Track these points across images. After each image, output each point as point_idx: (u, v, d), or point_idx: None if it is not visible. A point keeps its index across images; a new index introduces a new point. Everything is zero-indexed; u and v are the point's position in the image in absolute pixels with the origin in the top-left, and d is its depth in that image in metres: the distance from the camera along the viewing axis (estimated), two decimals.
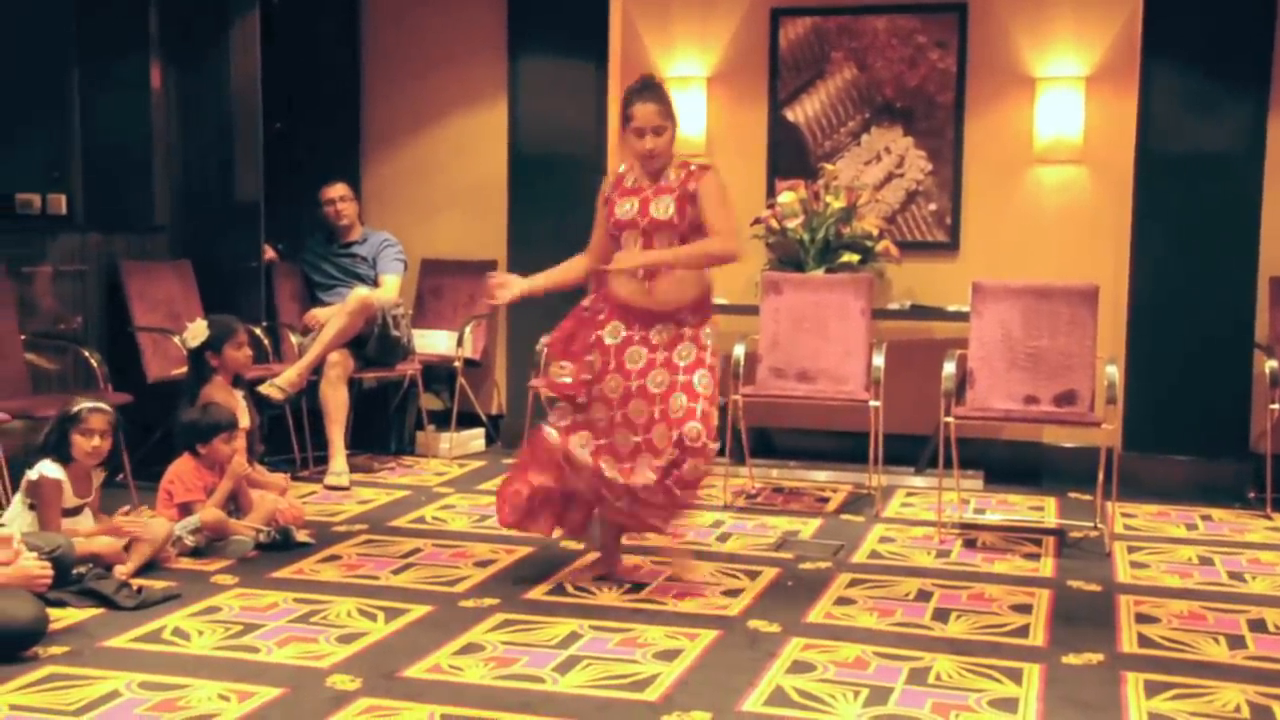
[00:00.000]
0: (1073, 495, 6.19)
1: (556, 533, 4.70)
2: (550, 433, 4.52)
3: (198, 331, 5.49)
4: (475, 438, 7.23)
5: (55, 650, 3.75)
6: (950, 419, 5.35)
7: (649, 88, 4.53)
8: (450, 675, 3.64)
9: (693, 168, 4.53)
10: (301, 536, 5.08)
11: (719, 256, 4.51)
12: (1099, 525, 5.53)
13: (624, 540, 4.79)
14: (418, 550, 5.03)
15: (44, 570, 3.93)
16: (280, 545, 4.98)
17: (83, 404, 4.64)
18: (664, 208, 4.47)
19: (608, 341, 4.52)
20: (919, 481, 6.42)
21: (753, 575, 4.72)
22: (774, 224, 6.66)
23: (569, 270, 4.74)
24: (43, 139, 6.42)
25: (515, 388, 7.22)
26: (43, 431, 4.72)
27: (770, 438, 7.05)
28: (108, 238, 6.32)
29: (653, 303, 4.49)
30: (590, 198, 7.02)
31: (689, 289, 4.52)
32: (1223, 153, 6.31)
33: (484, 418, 7.39)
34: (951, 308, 6.57)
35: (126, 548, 4.58)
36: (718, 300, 5.25)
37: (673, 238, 4.47)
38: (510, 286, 4.67)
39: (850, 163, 6.99)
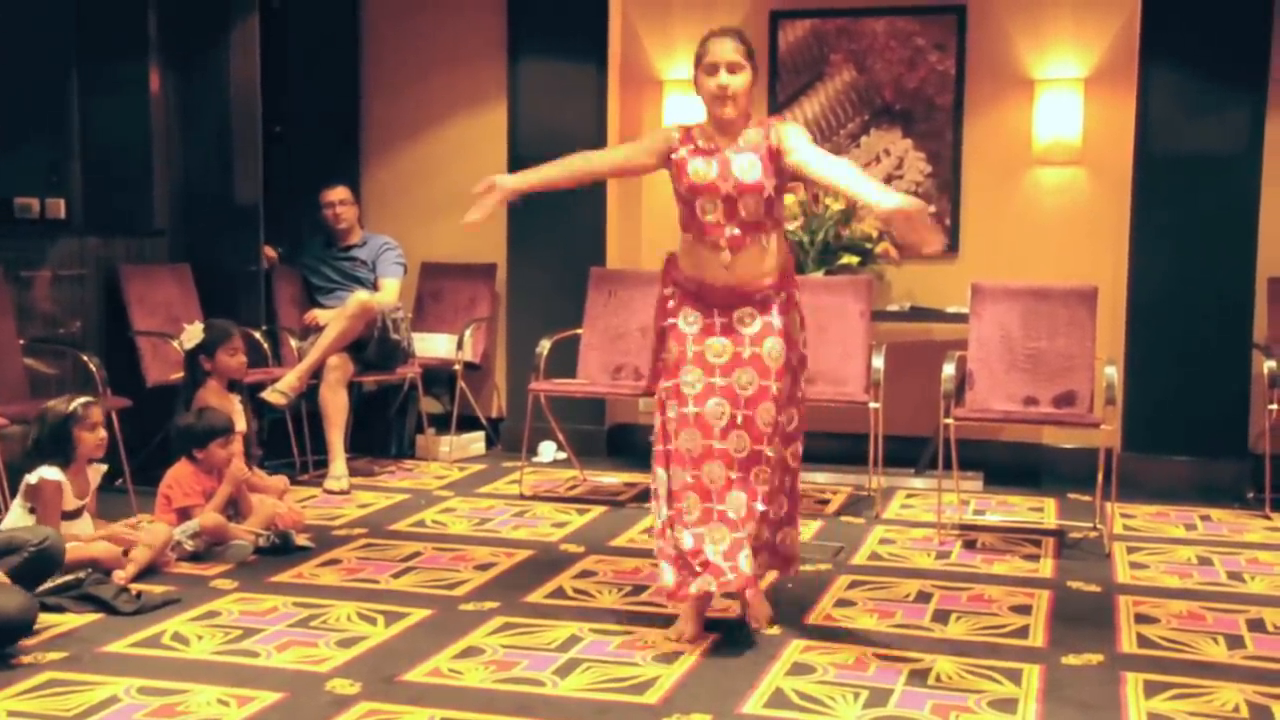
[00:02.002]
0: (1072, 496, 6.18)
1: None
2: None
3: (193, 334, 5.49)
4: (475, 441, 7.23)
5: (54, 656, 3.75)
6: (950, 420, 5.35)
7: (729, 29, 3.99)
8: (450, 679, 3.64)
9: (770, 123, 3.99)
10: (301, 540, 5.08)
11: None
12: (1098, 526, 5.53)
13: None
14: (418, 554, 5.02)
15: None
16: (280, 549, 4.97)
17: (76, 401, 4.64)
18: (749, 168, 3.89)
19: (682, 329, 4.00)
20: (919, 483, 6.41)
21: None
22: None
23: (566, 168, 4.10)
24: (41, 142, 6.41)
25: (515, 391, 7.22)
26: (31, 436, 4.67)
27: None
28: (106, 242, 6.32)
29: (734, 279, 3.97)
30: (591, 204, 7.12)
31: (772, 258, 4.00)
32: (1221, 154, 6.31)
33: (484, 421, 7.39)
34: (951, 309, 6.57)
35: (126, 553, 4.58)
36: None
37: (759, 203, 3.91)
38: (496, 190, 4.00)
39: None
